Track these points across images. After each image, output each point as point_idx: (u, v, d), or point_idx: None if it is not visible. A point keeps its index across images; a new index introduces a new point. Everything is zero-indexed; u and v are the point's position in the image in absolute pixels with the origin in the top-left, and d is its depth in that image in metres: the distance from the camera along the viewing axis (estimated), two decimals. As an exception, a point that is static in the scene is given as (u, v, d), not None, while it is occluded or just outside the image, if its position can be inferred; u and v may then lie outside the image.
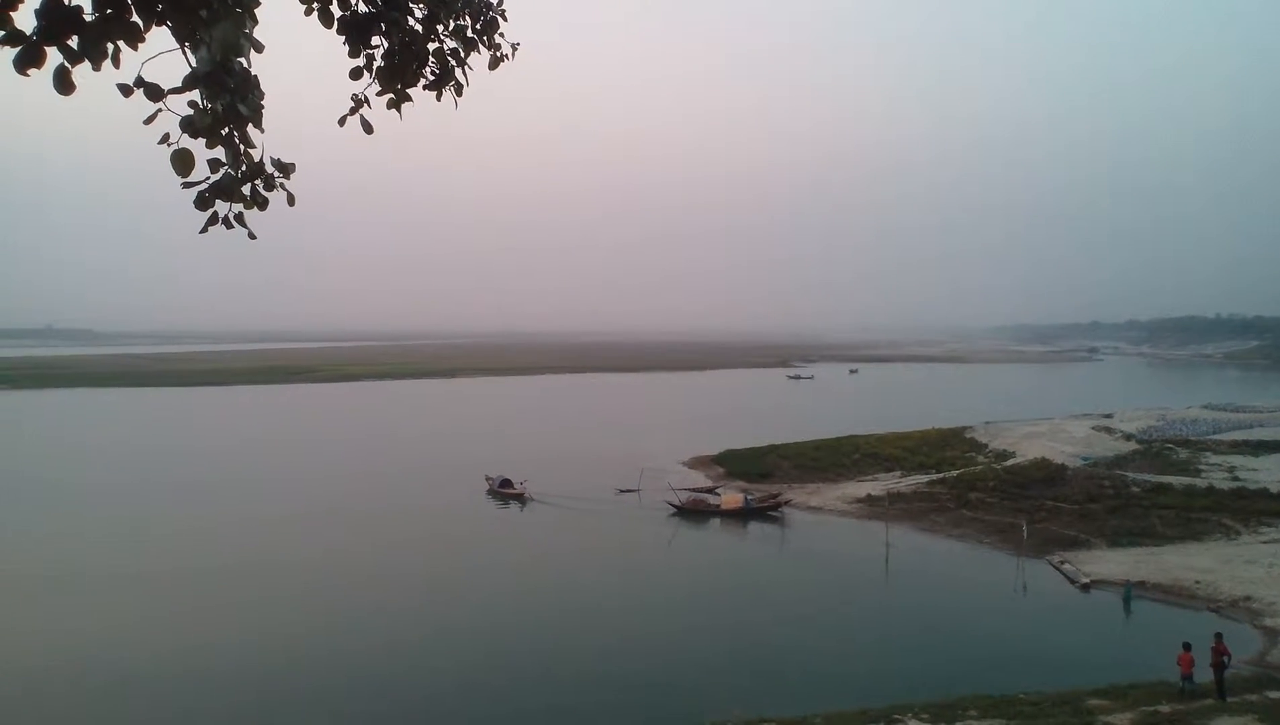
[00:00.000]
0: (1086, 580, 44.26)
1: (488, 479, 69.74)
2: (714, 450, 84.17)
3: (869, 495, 63.61)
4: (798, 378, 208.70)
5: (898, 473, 71.68)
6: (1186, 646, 25.28)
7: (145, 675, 33.01)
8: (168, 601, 42.14)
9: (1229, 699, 24.03)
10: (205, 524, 58.05)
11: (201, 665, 33.84)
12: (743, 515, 61.09)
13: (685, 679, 32.36)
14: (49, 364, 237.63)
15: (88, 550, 51.56)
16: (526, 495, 66.03)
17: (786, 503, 62.96)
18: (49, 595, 42.99)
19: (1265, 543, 48.76)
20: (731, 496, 63.89)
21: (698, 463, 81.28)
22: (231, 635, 37.43)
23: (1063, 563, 47.50)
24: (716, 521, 60.77)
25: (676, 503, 62.83)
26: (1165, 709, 23.15)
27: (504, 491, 67.25)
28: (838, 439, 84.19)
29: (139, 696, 31.13)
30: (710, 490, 68.14)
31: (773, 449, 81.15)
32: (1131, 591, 41.57)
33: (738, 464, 78.03)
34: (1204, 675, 25.17)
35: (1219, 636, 25.31)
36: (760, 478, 72.80)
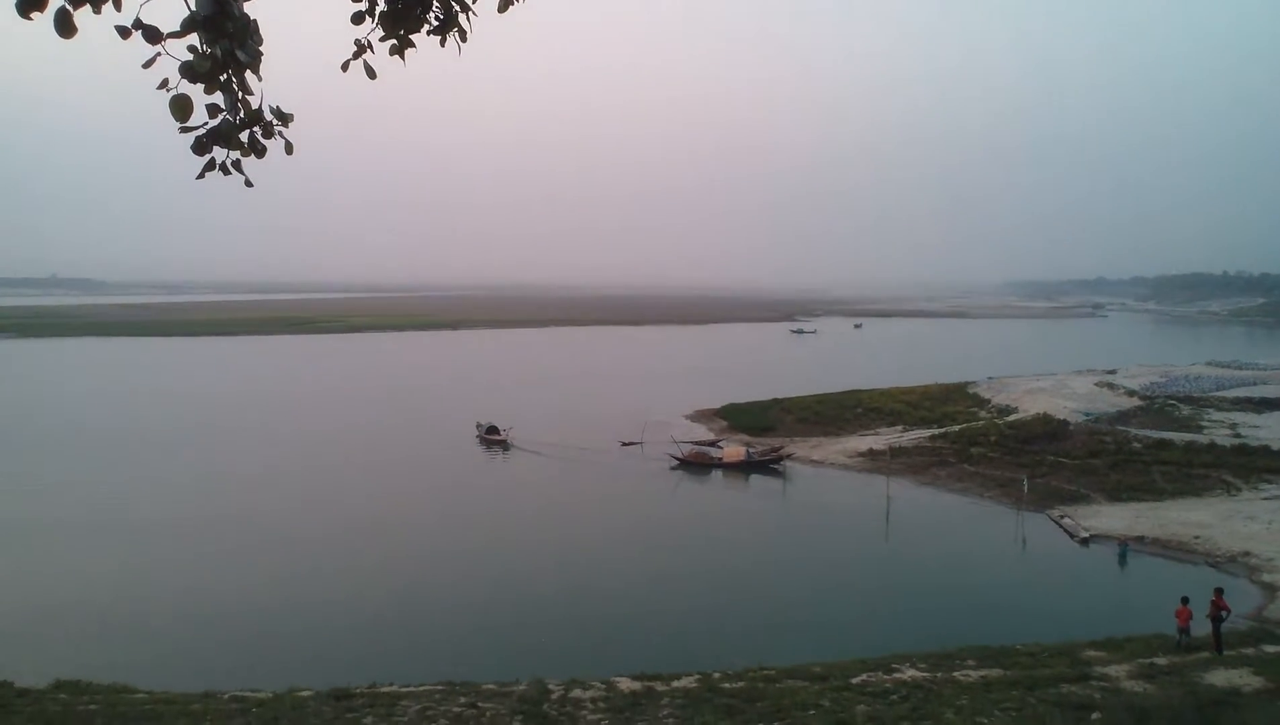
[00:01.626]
0: (1086, 534, 44.52)
1: (477, 426, 72.35)
2: (717, 403, 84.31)
3: (870, 449, 63.79)
4: (800, 332, 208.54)
5: (900, 427, 71.80)
6: (1184, 600, 25.47)
7: (172, 616, 33.43)
8: (187, 546, 42.53)
9: (1225, 653, 24.26)
10: (214, 473, 58.47)
11: (221, 607, 34.24)
12: (744, 468, 61.37)
13: (684, 627, 32.71)
14: (54, 313, 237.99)
15: (101, 498, 51.95)
16: (509, 442, 68.59)
17: (788, 456, 63.20)
18: (77, 540, 43.38)
19: (1266, 499, 48.92)
20: (733, 449, 64.15)
21: (700, 416, 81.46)
22: (240, 580, 37.81)
23: (1063, 517, 47.74)
24: (718, 474, 61.07)
25: (679, 455, 63.08)
26: (1162, 661, 23.38)
27: (490, 438, 69.93)
28: (840, 393, 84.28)
29: (169, 635, 31.53)
30: (712, 443, 68.39)
31: (775, 403, 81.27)
32: (1128, 550, 41.82)
33: (740, 417, 78.17)
34: (1201, 629, 25.40)
35: (1219, 591, 25.47)
36: (762, 431, 72.99)
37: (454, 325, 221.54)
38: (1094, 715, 17.38)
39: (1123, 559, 41.20)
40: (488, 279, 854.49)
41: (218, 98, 4.26)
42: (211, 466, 60.75)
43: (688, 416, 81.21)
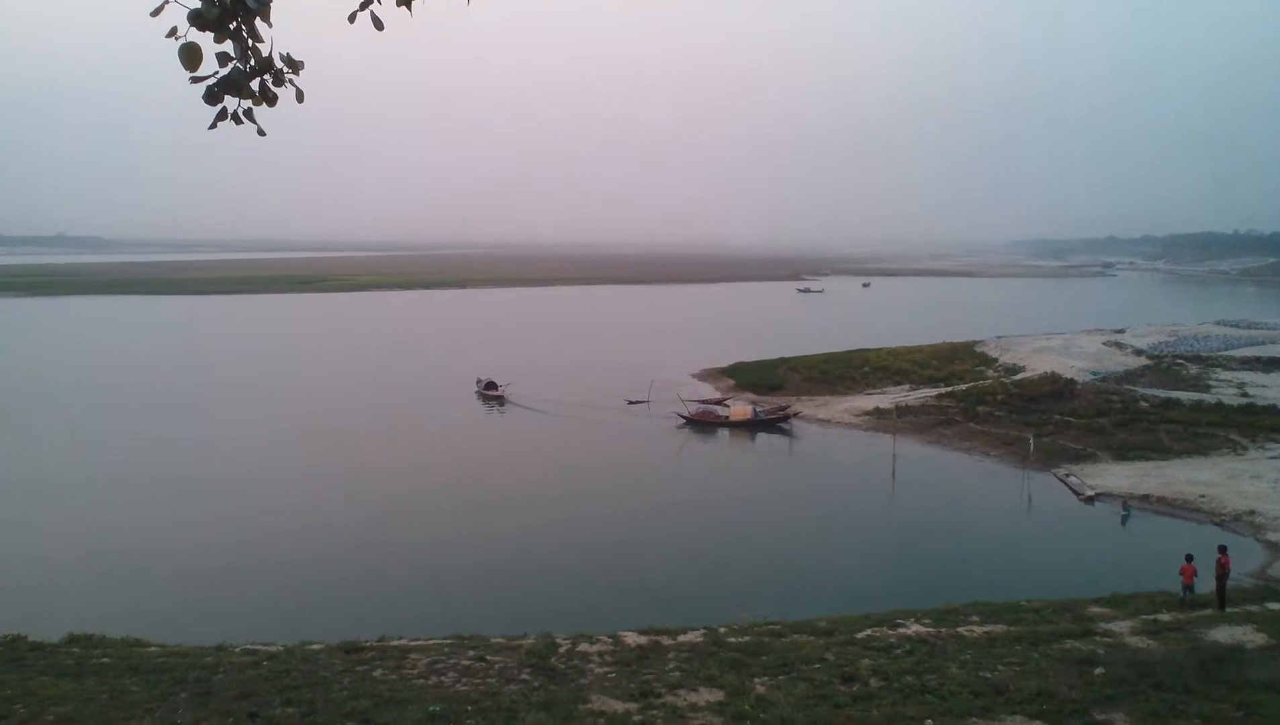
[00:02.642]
0: (1091, 493, 44.62)
1: (477, 382, 73.88)
2: (724, 363, 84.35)
3: (877, 408, 63.82)
4: (807, 291, 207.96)
5: (906, 386, 71.81)
6: (1189, 558, 25.55)
7: (183, 571, 33.79)
8: (197, 502, 42.87)
9: (1229, 610, 24.38)
10: (218, 431, 58.80)
11: (231, 562, 34.61)
12: (751, 427, 61.50)
13: (691, 583, 32.98)
14: (61, 272, 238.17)
15: (106, 455, 52.32)
16: (506, 397, 70.41)
17: (795, 415, 63.28)
18: (88, 495, 43.73)
19: (1272, 458, 48.93)
20: (740, 408, 64.25)
21: (707, 375, 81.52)
22: (249, 535, 38.16)
23: (1068, 476, 47.83)
24: (725, 432, 61.23)
25: (686, 414, 63.19)
26: (1165, 617, 23.49)
27: (489, 393, 71.69)
28: (847, 352, 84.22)
29: (180, 590, 31.88)
30: (719, 402, 68.46)
31: (782, 361, 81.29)
32: (1131, 511, 41.95)
33: (747, 376, 78.22)
34: (1205, 587, 25.52)
35: (1223, 549, 25.55)
36: (770, 390, 73.05)
37: (463, 284, 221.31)
38: (1097, 670, 17.51)
39: (1125, 519, 41.36)
40: (498, 237, 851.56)
41: (227, 46, 4.24)
42: (216, 424, 61.08)
43: (695, 375, 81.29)
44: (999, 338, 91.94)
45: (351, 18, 5.10)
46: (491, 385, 72.25)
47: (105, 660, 18.79)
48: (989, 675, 17.23)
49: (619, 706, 15.04)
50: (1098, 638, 21.02)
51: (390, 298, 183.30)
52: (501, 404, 69.64)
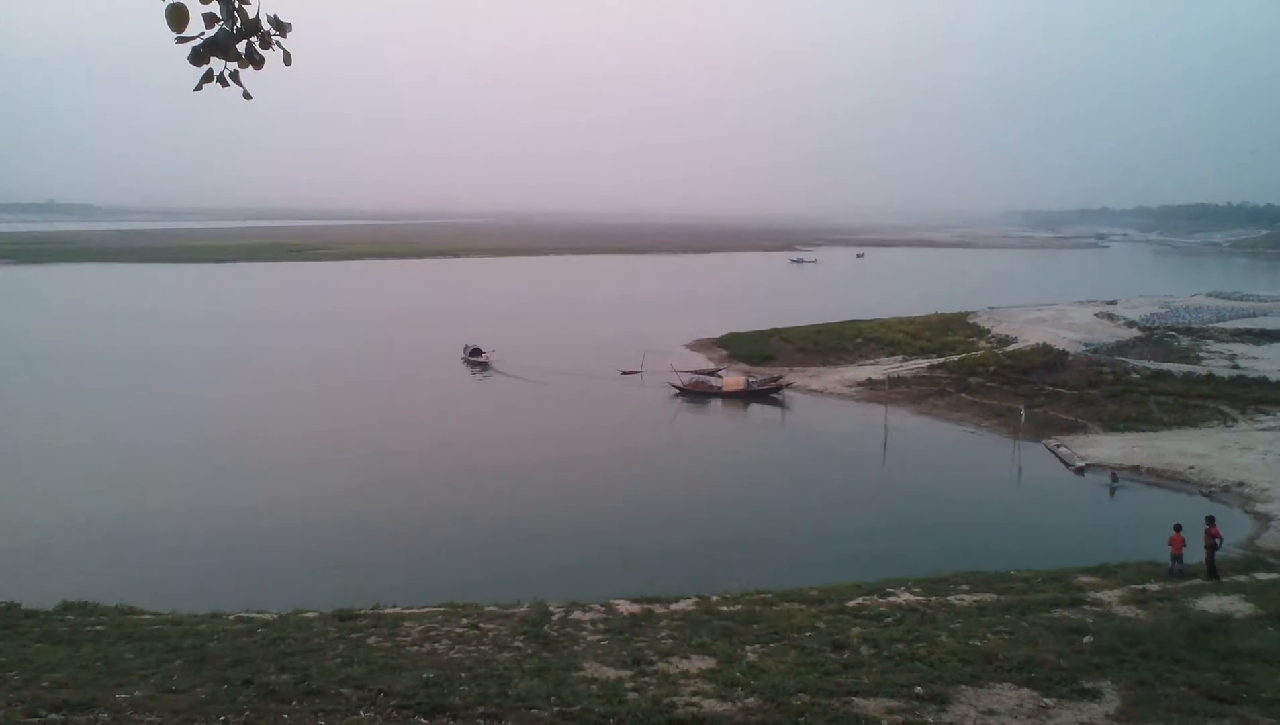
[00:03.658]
0: (1082, 464, 44.85)
1: (464, 348, 75.05)
2: (717, 333, 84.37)
3: (869, 379, 63.95)
4: (800, 262, 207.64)
5: (899, 357, 71.92)
6: (1177, 528, 25.70)
7: (176, 538, 33.85)
8: (189, 469, 42.89)
9: (1222, 580, 24.57)
10: (209, 397, 58.71)
11: (223, 530, 34.66)
12: (744, 397, 61.62)
13: (683, 552, 33.12)
14: (52, 239, 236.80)
15: (102, 422, 52.25)
16: (490, 363, 71.73)
17: (787, 385, 63.39)
18: (80, 463, 43.72)
19: (1262, 430, 49.19)
20: (733, 378, 64.34)
21: (700, 345, 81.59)
22: (241, 502, 38.20)
23: (1059, 447, 48.04)
24: (718, 403, 61.32)
25: (679, 384, 63.25)
26: (1154, 587, 23.68)
27: (474, 359, 72.87)
28: (840, 323, 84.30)
29: (174, 558, 31.94)
30: (712, 372, 68.52)
31: (775, 332, 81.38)
32: (1120, 482, 42.22)
33: (740, 347, 78.29)
34: (1194, 557, 25.69)
35: (1210, 519, 25.69)
36: (763, 361, 73.14)
37: (456, 253, 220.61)
38: (1086, 639, 17.65)
39: (1114, 490, 41.62)
40: (492, 206, 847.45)
41: (214, 7, 4.17)
42: (202, 390, 60.96)
43: (688, 346, 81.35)
44: (991, 309, 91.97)
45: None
46: (477, 352, 73.54)
47: (100, 628, 18.83)
48: (978, 643, 17.36)
49: (611, 674, 15.13)
50: (1087, 607, 21.19)
51: (384, 267, 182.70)
52: (485, 370, 70.63)
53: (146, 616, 20.38)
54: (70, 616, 19.98)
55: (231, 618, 19.77)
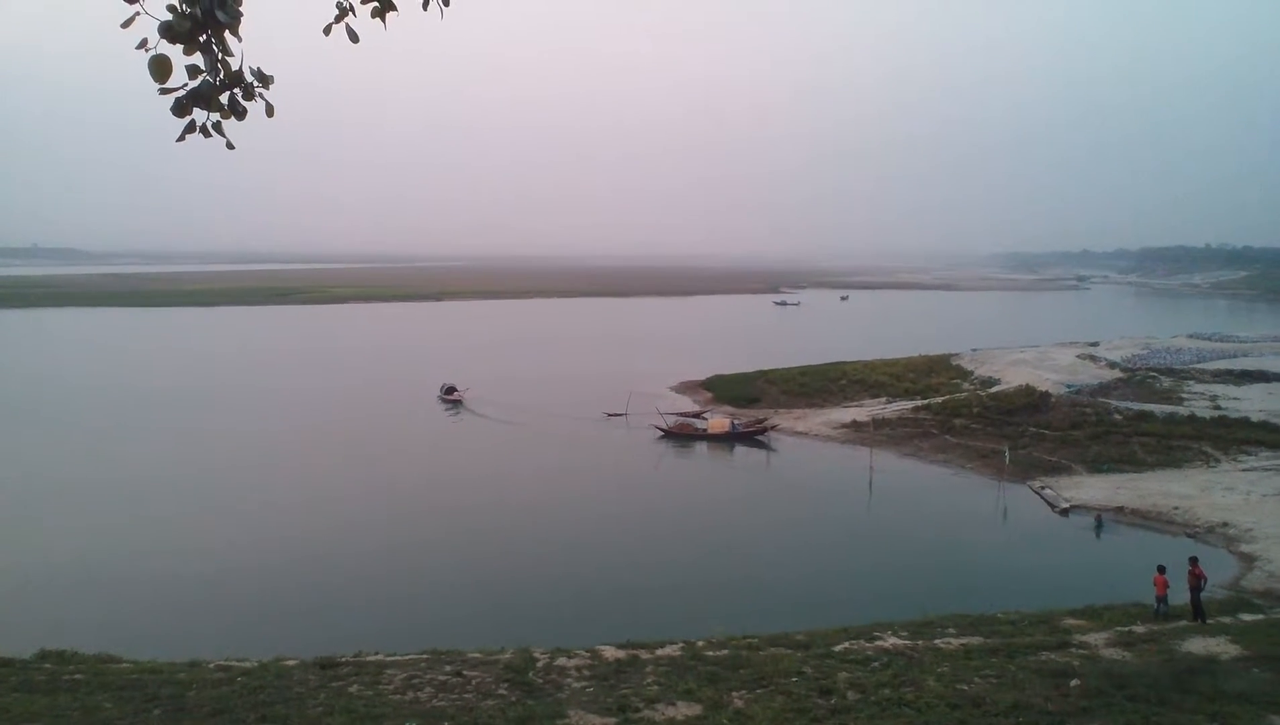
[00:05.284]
0: (1066, 505, 44.90)
1: (441, 387, 76.32)
2: (702, 375, 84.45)
3: (854, 421, 64.02)
4: (784, 305, 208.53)
5: (884, 399, 72.07)
6: (1161, 569, 25.76)
7: (155, 585, 33.44)
8: (168, 511, 42.46)
9: (1209, 622, 24.57)
10: (190, 442, 58.29)
11: (204, 576, 34.27)
12: (729, 439, 61.57)
13: (668, 597, 32.89)
14: (36, 283, 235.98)
15: (84, 464, 51.81)
16: (464, 402, 72.88)
17: (773, 427, 63.41)
18: (60, 505, 43.25)
19: (1244, 470, 49.36)
20: (718, 421, 64.29)
21: (685, 387, 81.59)
22: (220, 548, 37.80)
23: (1043, 488, 48.10)
24: (703, 445, 61.24)
25: (664, 426, 63.20)
26: (1140, 629, 23.67)
27: (448, 397, 74.06)
28: (825, 365, 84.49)
29: (153, 605, 31.53)
30: (697, 415, 68.51)
31: (760, 374, 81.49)
32: (1104, 523, 42.27)
33: (725, 389, 78.35)
34: (1179, 598, 25.70)
35: (1194, 560, 25.75)
36: (748, 403, 73.20)
37: (438, 296, 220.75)
38: (1073, 682, 17.60)
39: (1098, 531, 41.66)
40: (474, 250, 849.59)
41: (197, 59, 4.22)
42: (183, 432, 60.54)
43: (673, 388, 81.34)
44: (974, 350, 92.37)
45: (327, 30, 5.09)
46: (451, 389, 75.01)
47: (78, 676, 18.58)
48: (965, 688, 17.29)
49: (597, 721, 15.00)
50: (1073, 649, 21.14)
51: (367, 310, 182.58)
52: (457, 408, 71.63)
53: (125, 665, 20.10)
54: (48, 665, 19.71)
55: (211, 666, 19.52)
